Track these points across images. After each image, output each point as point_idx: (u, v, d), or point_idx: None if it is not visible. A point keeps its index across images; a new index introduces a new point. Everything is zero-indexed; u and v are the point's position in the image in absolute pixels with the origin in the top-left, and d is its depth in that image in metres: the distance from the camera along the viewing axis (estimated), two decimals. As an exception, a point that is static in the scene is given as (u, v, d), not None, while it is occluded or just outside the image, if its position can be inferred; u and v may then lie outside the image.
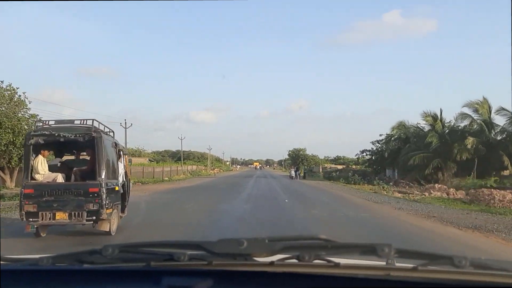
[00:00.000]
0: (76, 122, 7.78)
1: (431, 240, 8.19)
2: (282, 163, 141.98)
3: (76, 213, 6.95)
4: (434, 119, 28.93)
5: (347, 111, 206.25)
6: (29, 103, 20.10)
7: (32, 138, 7.27)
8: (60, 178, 7.64)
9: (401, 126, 33.13)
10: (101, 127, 7.91)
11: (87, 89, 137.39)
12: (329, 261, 1.16)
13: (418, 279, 1.10)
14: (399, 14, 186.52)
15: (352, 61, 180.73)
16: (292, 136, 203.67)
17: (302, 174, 44.85)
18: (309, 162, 74.65)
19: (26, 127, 18.13)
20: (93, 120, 7.61)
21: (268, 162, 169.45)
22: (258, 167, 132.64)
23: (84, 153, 8.88)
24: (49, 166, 7.90)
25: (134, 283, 1.20)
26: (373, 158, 38.65)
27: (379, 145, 38.36)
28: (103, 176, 7.25)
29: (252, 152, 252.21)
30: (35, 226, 7.05)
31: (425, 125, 30.55)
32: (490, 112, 26.27)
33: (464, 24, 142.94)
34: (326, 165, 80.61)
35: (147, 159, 67.46)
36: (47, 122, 7.88)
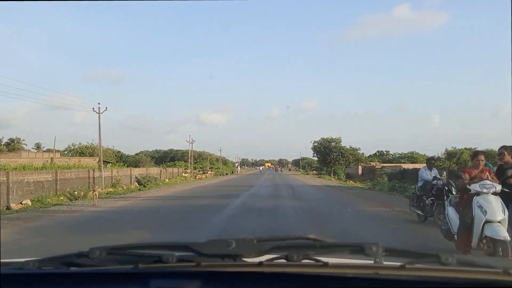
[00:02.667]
0: None
1: None
2: (299, 162, 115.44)
3: None
4: None
5: (359, 109, 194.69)
6: None
7: None
8: None
9: None
10: None
11: (97, 93, 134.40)
12: (317, 260, 1.16)
13: (406, 277, 1.09)
14: (409, 8, 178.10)
15: (363, 57, 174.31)
16: (304, 135, 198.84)
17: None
18: (347, 158, 48.10)
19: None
20: None
21: (281, 162, 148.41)
22: (269, 168, 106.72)
23: None
24: None
25: (122, 286, 1.19)
26: None
27: None
28: None
29: (264, 153, 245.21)
30: None
31: None
32: None
33: (475, 18, 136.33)
34: (373, 163, 52.87)
35: (96, 159, 40.85)
36: None
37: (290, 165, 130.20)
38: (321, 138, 51.21)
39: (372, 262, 1.17)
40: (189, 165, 51.11)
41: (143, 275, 1.17)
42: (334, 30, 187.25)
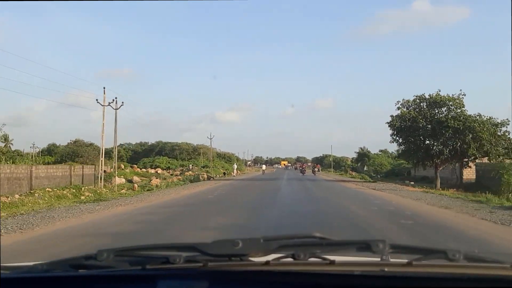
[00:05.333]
0: None
1: None
2: (323, 160, 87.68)
3: None
4: None
5: (375, 107, 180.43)
6: None
7: None
8: None
9: None
10: None
11: (112, 92, 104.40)
12: (324, 258, 1.15)
13: (413, 273, 1.08)
14: (429, 2, 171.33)
15: (378, 54, 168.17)
16: (319, 134, 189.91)
17: None
18: (481, 143, 19.52)
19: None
20: None
21: (299, 160, 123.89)
22: (286, 167, 79.20)
23: None
24: None
25: (130, 287, 1.18)
26: None
27: None
28: None
29: (280, 151, 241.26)
30: None
31: None
32: None
33: (498, 14, 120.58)
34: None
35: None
36: None
37: (309, 164, 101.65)
38: (416, 97, 22.49)
39: (379, 259, 1.16)
40: (101, 163, 22.66)
41: (150, 276, 1.16)
42: (350, 26, 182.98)
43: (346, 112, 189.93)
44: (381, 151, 71.79)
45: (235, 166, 47.47)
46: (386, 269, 1.08)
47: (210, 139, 44.42)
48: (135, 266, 1.19)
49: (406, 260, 1.11)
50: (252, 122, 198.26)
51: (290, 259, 1.13)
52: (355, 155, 70.50)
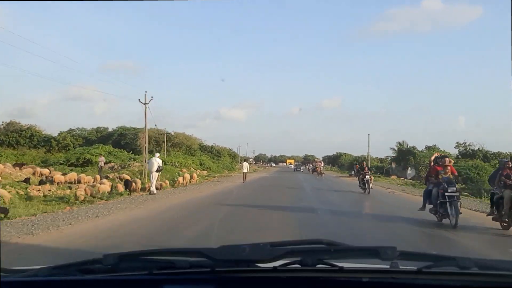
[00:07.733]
0: None
1: None
2: (338, 160, 67.89)
3: None
4: None
5: (382, 109, 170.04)
6: None
7: None
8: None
9: None
10: None
11: (114, 85, 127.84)
12: (332, 265, 1.13)
13: (423, 281, 1.07)
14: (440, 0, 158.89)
15: (386, 54, 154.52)
16: (325, 135, 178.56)
17: None
18: None
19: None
20: None
21: (307, 159, 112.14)
22: (296, 168, 58.24)
23: None
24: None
25: None
26: None
27: None
28: None
29: (286, 149, 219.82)
30: None
31: None
32: None
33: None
34: None
35: None
36: None
37: (320, 164, 79.92)
38: None
39: (388, 266, 1.14)
40: None
41: (157, 281, 1.15)
42: (357, 24, 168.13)
43: (355, 111, 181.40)
44: (427, 147, 49.78)
45: (156, 164, 15.81)
46: (395, 276, 1.07)
47: (145, 104, 19.89)
48: (141, 270, 1.17)
49: (416, 268, 1.09)
50: (258, 120, 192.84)
51: (297, 266, 1.12)
52: (389, 153, 49.24)
